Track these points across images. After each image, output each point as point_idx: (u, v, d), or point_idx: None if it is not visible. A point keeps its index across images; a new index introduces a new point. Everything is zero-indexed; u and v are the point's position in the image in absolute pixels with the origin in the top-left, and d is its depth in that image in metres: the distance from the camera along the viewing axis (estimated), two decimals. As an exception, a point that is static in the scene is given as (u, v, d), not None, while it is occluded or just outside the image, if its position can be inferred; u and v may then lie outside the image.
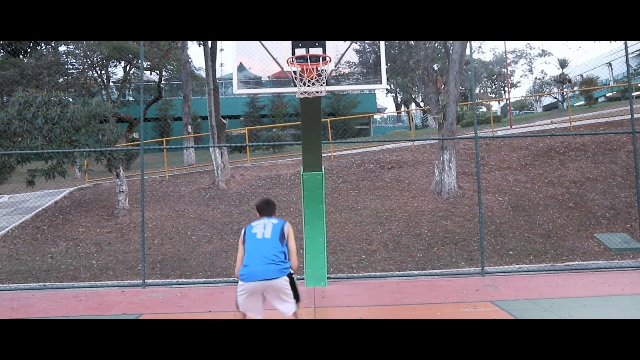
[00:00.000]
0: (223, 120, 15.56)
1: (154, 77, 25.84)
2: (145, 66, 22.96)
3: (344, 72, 4.88)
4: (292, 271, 3.88)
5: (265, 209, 4.18)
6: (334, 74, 4.75)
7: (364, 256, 9.00)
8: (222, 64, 33.52)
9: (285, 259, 3.85)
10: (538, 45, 41.18)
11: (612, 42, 19.01)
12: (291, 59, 4.38)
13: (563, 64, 35.37)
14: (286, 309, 3.82)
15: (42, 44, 22.75)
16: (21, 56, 22.84)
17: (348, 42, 4.65)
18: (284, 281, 3.78)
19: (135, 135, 24.94)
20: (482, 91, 42.06)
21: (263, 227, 3.92)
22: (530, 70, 41.79)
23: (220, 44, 21.12)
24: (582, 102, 27.68)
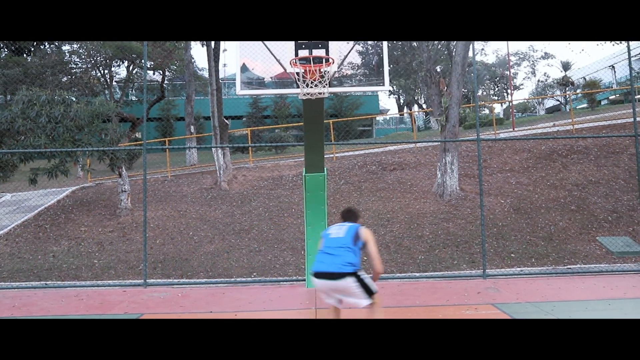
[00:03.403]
0: (226, 121, 15.58)
1: (157, 77, 25.92)
2: (148, 66, 23.03)
3: (346, 74, 4.88)
4: (358, 269, 3.79)
5: (346, 216, 4.35)
6: (336, 75, 4.76)
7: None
8: (225, 65, 33.58)
9: (355, 257, 3.81)
10: (541, 48, 41.18)
11: (615, 43, 18.94)
12: (294, 60, 4.38)
13: (566, 66, 35.31)
14: (358, 304, 3.80)
15: (46, 43, 22.85)
16: (25, 55, 22.92)
17: (351, 44, 4.66)
18: (349, 278, 3.72)
19: (138, 135, 25.01)
20: (484, 93, 42.04)
21: (338, 228, 4.05)
22: (533, 73, 41.82)
23: (223, 45, 21.20)
24: (584, 105, 27.66)
